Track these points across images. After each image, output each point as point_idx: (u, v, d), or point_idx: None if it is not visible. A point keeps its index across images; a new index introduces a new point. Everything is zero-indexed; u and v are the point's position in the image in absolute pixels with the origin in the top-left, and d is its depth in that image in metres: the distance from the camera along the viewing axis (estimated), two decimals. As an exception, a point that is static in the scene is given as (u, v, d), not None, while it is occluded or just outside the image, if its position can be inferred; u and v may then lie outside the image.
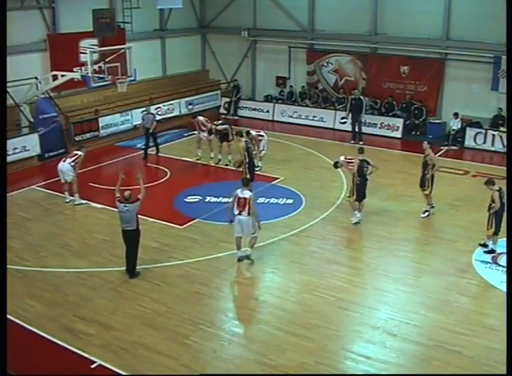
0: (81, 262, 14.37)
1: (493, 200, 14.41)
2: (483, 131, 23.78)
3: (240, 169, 17.90)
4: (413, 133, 25.86)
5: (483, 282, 13.47)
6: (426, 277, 13.67)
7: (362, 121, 25.30)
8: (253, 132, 20.04)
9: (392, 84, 26.83)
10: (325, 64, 28.49)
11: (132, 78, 21.54)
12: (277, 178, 19.96)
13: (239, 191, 14.01)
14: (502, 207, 14.41)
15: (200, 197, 18.44)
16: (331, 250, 15.17)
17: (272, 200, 18.02)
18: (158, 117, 24.67)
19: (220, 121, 22.30)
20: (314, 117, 27.78)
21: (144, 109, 23.82)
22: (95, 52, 21.22)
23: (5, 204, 12.64)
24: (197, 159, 22.07)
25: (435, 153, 22.30)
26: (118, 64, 20.90)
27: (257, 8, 29.68)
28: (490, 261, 14.34)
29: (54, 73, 22.06)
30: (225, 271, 13.97)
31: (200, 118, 21.94)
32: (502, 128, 23.34)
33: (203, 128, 21.75)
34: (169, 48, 29.77)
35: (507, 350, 8.55)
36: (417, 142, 24.58)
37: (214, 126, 21.50)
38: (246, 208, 13.80)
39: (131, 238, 13.43)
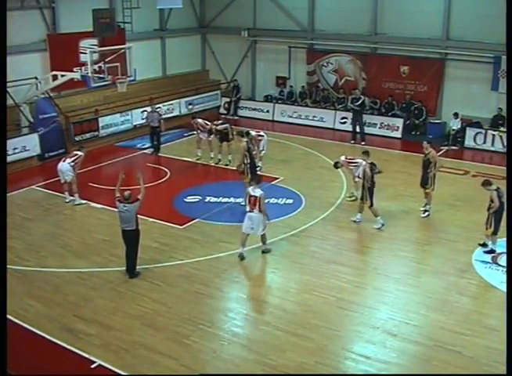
0: (80, 262, 14.37)
1: (492, 200, 14.43)
2: (483, 131, 23.78)
3: (241, 169, 17.88)
4: (413, 133, 25.86)
5: (483, 282, 13.47)
6: (426, 277, 13.67)
7: (364, 121, 25.27)
8: (252, 132, 20.03)
9: (392, 84, 26.83)
10: (325, 64, 28.49)
11: (132, 78, 21.53)
12: (277, 178, 19.97)
13: (250, 189, 14.44)
14: (502, 207, 14.41)
15: (199, 197, 18.44)
16: (331, 250, 15.16)
17: (272, 200, 18.00)
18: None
19: (220, 121, 22.30)
20: (314, 117, 27.79)
21: (150, 107, 23.80)
22: (95, 52, 21.21)
23: (5, 204, 12.64)
24: (197, 159, 22.07)
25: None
26: (118, 64, 20.89)
27: (257, 8, 29.69)
28: (490, 261, 14.34)
29: (54, 73, 22.06)
30: (225, 271, 13.97)
31: (199, 120, 21.93)
32: (502, 128, 23.34)
33: (202, 129, 21.77)
34: (169, 48, 29.78)
35: (507, 350, 8.56)
36: (417, 142, 24.58)
37: (214, 126, 21.50)
38: (257, 206, 14.17)
39: (131, 238, 13.43)
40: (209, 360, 10.79)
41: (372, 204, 16.15)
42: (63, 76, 21.65)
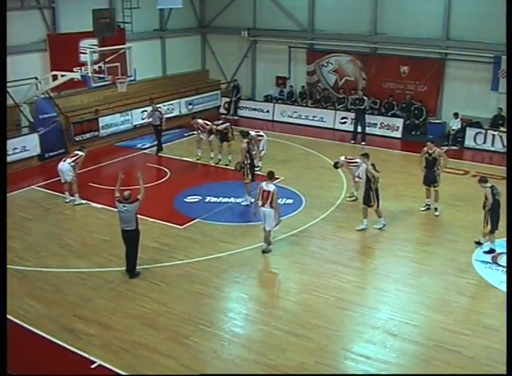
0: (81, 262, 14.37)
1: (486, 198, 14.51)
2: (483, 131, 23.78)
3: (240, 169, 17.88)
4: (413, 133, 25.88)
5: (483, 282, 13.47)
6: (426, 277, 13.66)
7: (366, 121, 25.27)
8: (252, 133, 20.02)
9: (392, 84, 26.83)
10: (325, 64, 28.49)
11: (132, 78, 21.56)
12: (277, 179, 19.82)
13: (263, 184, 14.58)
14: (497, 205, 14.46)
15: (200, 197, 18.44)
16: (331, 250, 15.16)
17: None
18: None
19: (220, 121, 22.30)
20: (314, 117, 27.79)
21: (151, 106, 23.83)
22: (95, 52, 21.21)
23: (5, 204, 12.64)
24: (197, 159, 22.08)
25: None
26: (118, 64, 20.90)
27: (257, 8, 29.69)
28: (490, 261, 14.34)
29: (54, 73, 22.07)
30: (225, 271, 13.97)
31: (199, 121, 21.94)
32: (502, 128, 23.34)
33: (203, 130, 21.78)
34: (169, 48, 29.78)
35: (507, 350, 8.55)
36: (417, 142, 24.72)
37: (214, 126, 21.51)
38: (269, 201, 14.35)
39: (131, 238, 13.43)
40: (209, 360, 10.79)
41: (378, 205, 16.07)
42: (63, 76, 21.66)
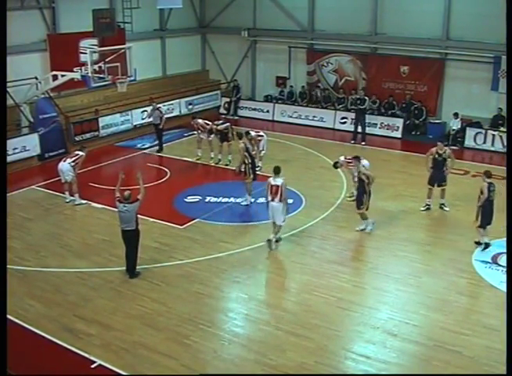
0: (81, 262, 14.37)
1: (482, 192, 14.68)
2: (483, 131, 23.79)
3: (240, 171, 17.86)
4: (413, 133, 25.90)
5: (483, 282, 13.47)
6: (426, 277, 13.66)
7: (366, 121, 25.27)
8: (252, 133, 20.03)
9: (392, 84, 26.84)
10: (325, 64, 28.50)
11: (132, 78, 21.55)
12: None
13: (271, 179, 14.94)
14: (490, 202, 14.64)
15: (200, 197, 18.44)
16: (331, 250, 15.17)
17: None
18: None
19: (220, 121, 22.31)
20: (314, 117, 27.79)
21: (151, 105, 23.84)
22: (95, 52, 21.21)
23: (5, 204, 12.64)
24: (197, 159, 22.08)
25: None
26: (118, 64, 20.90)
27: (257, 8, 29.70)
28: (490, 261, 14.35)
29: (54, 73, 22.07)
30: (225, 271, 13.97)
31: (199, 121, 21.95)
32: (502, 128, 23.35)
33: (203, 130, 21.79)
34: (169, 48, 29.78)
35: (507, 350, 8.55)
36: (417, 142, 24.79)
37: (214, 126, 21.51)
38: (278, 195, 14.69)
39: (131, 238, 13.42)
40: (209, 360, 10.79)
41: (367, 208, 16.00)
42: (63, 76, 21.66)
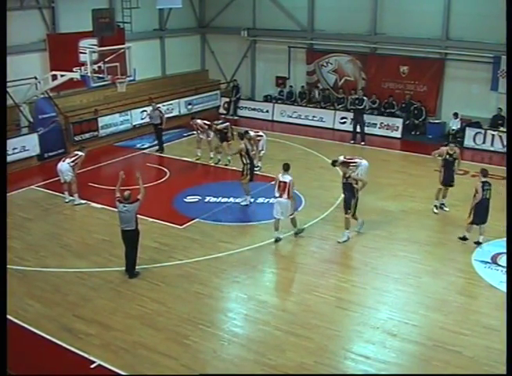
0: (80, 262, 14.37)
1: (477, 191, 14.93)
2: (482, 131, 23.80)
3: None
4: (413, 133, 25.91)
5: (482, 282, 13.47)
6: (425, 277, 13.66)
7: (365, 121, 25.28)
8: (251, 133, 20.03)
9: (392, 84, 26.85)
10: (324, 64, 28.51)
11: (132, 78, 21.53)
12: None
13: (280, 175, 15.13)
14: (483, 201, 14.89)
15: (199, 197, 18.44)
16: (331, 250, 15.17)
17: (272, 200, 17.98)
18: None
19: (220, 121, 22.32)
20: (313, 117, 27.80)
21: (151, 105, 23.82)
22: (94, 51, 21.23)
23: (5, 204, 12.64)
24: (197, 159, 22.08)
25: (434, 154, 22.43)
26: (118, 64, 20.89)
27: (256, 8, 29.72)
28: (490, 261, 14.35)
29: (53, 73, 22.07)
30: (224, 271, 13.97)
31: (198, 121, 21.96)
32: (501, 128, 23.36)
33: (202, 130, 21.80)
34: (168, 48, 29.79)
35: (507, 350, 8.55)
36: (417, 142, 24.81)
37: (214, 125, 21.51)
38: (286, 191, 14.90)
39: (130, 238, 13.42)
40: (209, 360, 10.79)
41: (354, 215, 15.63)
42: (62, 76, 21.66)
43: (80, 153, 18.00)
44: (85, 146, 18.96)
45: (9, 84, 20.60)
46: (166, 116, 24.45)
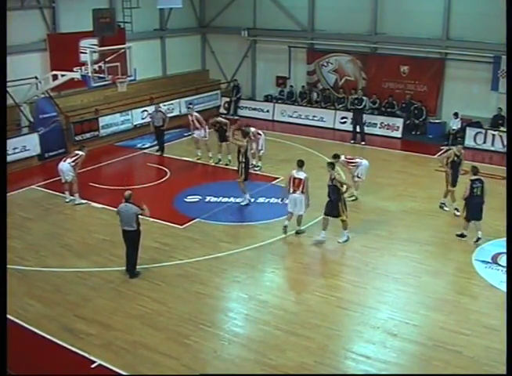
0: (81, 261, 14.37)
1: (466, 188, 15.19)
2: (483, 131, 23.79)
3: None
4: (413, 133, 25.90)
5: (483, 282, 13.46)
6: (426, 277, 13.66)
7: (364, 121, 25.27)
8: (252, 129, 20.04)
9: (392, 84, 26.84)
10: (325, 64, 28.50)
11: (132, 78, 21.53)
12: (277, 178, 19.94)
13: (294, 172, 15.40)
14: (474, 198, 15.04)
15: (199, 197, 18.44)
16: (331, 250, 15.18)
17: (272, 200, 18.03)
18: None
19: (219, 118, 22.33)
20: (314, 116, 27.80)
21: (153, 107, 23.73)
22: (95, 51, 21.21)
23: (5, 204, 12.64)
24: (197, 159, 22.08)
25: (435, 154, 22.46)
26: (118, 64, 20.90)
27: (257, 8, 29.71)
28: (490, 261, 14.35)
29: (54, 72, 22.07)
30: (225, 271, 13.97)
31: (196, 113, 21.95)
32: (502, 128, 23.34)
33: (198, 126, 21.73)
34: (169, 48, 29.77)
35: (507, 350, 8.55)
36: (417, 142, 24.81)
37: (214, 118, 21.52)
38: (301, 187, 15.28)
39: (131, 239, 13.42)
40: (209, 360, 10.80)
41: (347, 216, 15.50)
42: (63, 76, 21.65)
43: (80, 152, 17.99)
44: (85, 146, 18.92)
45: (9, 84, 20.58)
46: (166, 113, 24.37)
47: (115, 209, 13.76)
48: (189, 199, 18.36)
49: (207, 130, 21.91)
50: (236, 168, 18.14)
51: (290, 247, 15.31)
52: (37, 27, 23.56)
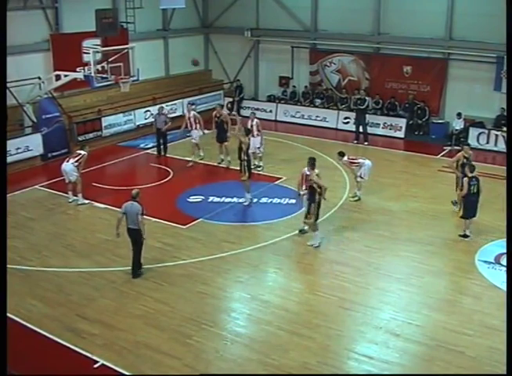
0: (83, 261, 14.39)
1: (463, 186, 15.31)
2: (486, 131, 23.75)
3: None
4: (416, 133, 25.86)
5: (485, 282, 13.45)
6: (428, 277, 13.66)
7: (367, 121, 25.26)
8: (255, 120, 20.25)
9: (395, 84, 26.81)
10: (328, 64, 28.49)
11: (135, 78, 21.53)
12: (280, 178, 19.96)
13: (305, 170, 15.32)
14: (470, 195, 15.22)
15: (202, 197, 18.44)
16: (334, 250, 15.17)
17: (275, 200, 18.04)
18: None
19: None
20: (317, 117, 27.79)
21: (157, 109, 23.64)
22: (98, 52, 21.23)
23: (5, 204, 12.65)
24: (200, 159, 22.08)
25: (438, 154, 22.49)
26: (121, 64, 20.89)
27: (259, 8, 29.70)
28: (493, 261, 14.34)
29: (57, 73, 22.10)
30: (228, 271, 13.98)
31: (194, 112, 21.91)
32: (504, 128, 23.29)
33: (194, 125, 21.65)
34: (172, 48, 29.80)
35: (507, 350, 8.53)
36: (420, 142, 24.79)
37: (219, 109, 21.51)
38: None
39: (133, 237, 13.47)
40: (212, 360, 10.80)
41: (317, 219, 15.31)
42: (66, 76, 21.68)
43: (82, 152, 18.00)
44: (86, 145, 18.93)
45: (12, 84, 20.64)
46: (169, 116, 24.29)
47: (118, 209, 13.78)
48: (192, 199, 18.37)
49: (203, 130, 21.90)
50: (238, 168, 18.15)
51: (292, 248, 15.30)
52: (40, 27, 23.59)
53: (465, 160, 16.82)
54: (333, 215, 17.13)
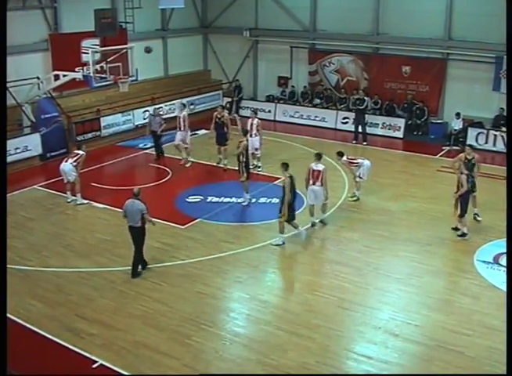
0: (82, 261, 14.39)
1: (462, 184, 15.32)
2: (485, 131, 23.75)
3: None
4: (415, 133, 25.87)
5: (484, 282, 13.45)
6: (427, 277, 13.66)
7: (366, 121, 25.26)
8: (256, 119, 20.50)
9: (394, 85, 26.81)
10: (327, 64, 28.49)
11: (134, 78, 21.52)
12: (279, 179, 19.90)
13: (313, 164, 15.97)
14: (468, 192, 15.42)
15: (201, 197, 18.44)
16: (332, 250, 15.18)
17: (274, 200, 17.99)
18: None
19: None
20: (315, 117, 27.79)
21: (152, 111, 23.51)
22: (96, 51, 21.22)
23: (5, 204, 12.64)
24: (187, 161, 21.92)
25: (436, 154, 22.50)
26: (120, 64, 20.88)
27: (258, 8, 29.69)
28: (492, 261, 14.34)
29: (56, 73, 22.07)
30: (226, 271, 13.98)
31: (185, 113, 21.85)
32: (503, 128, 23.31)
33: (183, 127, 21.58)
34: (171, 48, 29.79)
35: (507, 350, 8.54)
36: (419, 142, 24.80)
37: (220, 110, 21.46)
38: (320, 179, 15.89)
39: (133, 235, 13.50)
40: (211, 360, 10.80)
41: (287, 220, 15.27)
42: (64, 76, 21.66)
43: (80, 152, 18.00)
44: (84, 144, 18.93)
45: (11, 84, 20.63)
46: (168, 116, 24.25)
47: (117, 209, 13.78)
48: (191, 199, 18.37)
49: (189, 134, 21.89)
50: (236, 168, 18.16)
51: (291, 247, 15.29)
52: (39, 27, 23.56)
53: (466, 162, 16.75)
54: (332, 215, 17.13)
